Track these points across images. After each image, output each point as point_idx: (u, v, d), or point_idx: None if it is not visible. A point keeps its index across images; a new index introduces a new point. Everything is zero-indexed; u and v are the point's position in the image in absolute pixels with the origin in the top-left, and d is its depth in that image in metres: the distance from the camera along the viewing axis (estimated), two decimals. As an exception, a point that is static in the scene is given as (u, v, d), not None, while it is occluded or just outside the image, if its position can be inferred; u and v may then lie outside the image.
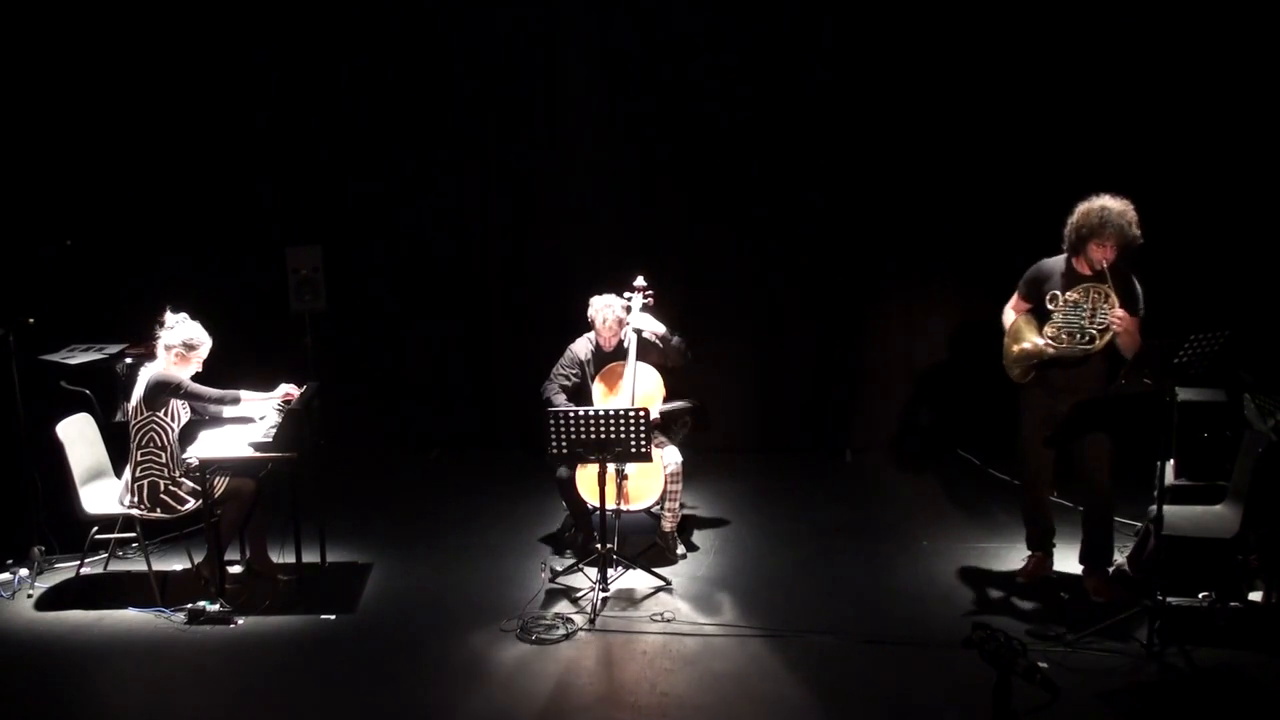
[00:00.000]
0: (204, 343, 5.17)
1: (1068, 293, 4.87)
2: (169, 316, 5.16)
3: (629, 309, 5.70)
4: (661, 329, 5.67)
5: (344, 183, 7.42)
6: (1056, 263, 5.00)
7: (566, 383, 5.71)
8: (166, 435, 5.11)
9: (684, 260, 7.27)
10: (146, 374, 5.13)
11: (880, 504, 6.62)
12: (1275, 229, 6.55)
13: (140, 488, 5.10)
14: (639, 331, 5.65)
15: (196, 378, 5.21)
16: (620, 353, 5.71)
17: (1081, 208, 4.83)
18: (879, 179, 7.15)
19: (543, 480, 6.19)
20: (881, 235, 7.23)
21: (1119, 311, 4.72)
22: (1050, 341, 4.87)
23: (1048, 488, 5.25)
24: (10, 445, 5.62)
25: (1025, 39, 6.81)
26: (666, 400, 5.71)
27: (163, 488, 5.11)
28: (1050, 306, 4.89)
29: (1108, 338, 4.76)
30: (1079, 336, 4.81)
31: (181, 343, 5.10)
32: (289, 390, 5.28)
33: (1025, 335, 4.96)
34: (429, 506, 6.59)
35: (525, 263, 7.45)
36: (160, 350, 5.13)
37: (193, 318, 5.21)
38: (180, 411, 5.21)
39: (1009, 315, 5.14)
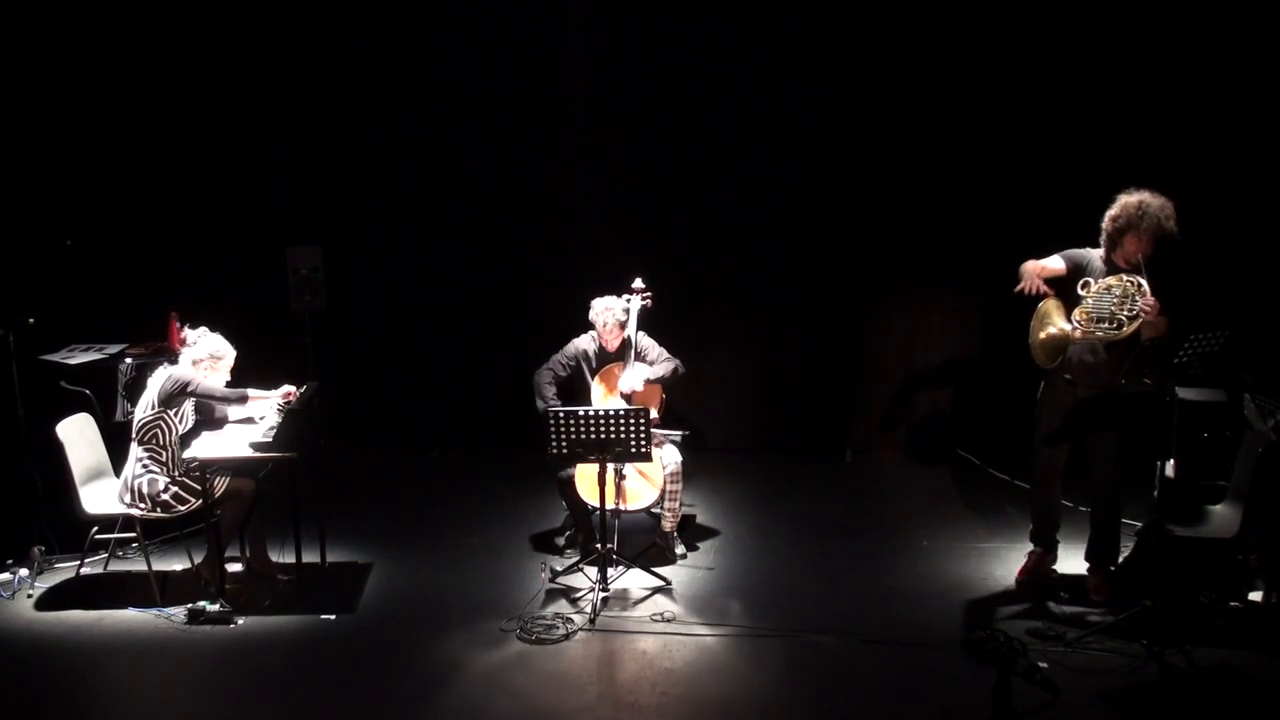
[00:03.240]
0: (228, 352, 5.28)
1: (1101, 280, 4.87)
2: (189, 334, 5.27)
3: (628, 311, 5.70)
4: (650, 374, 5.62)
5: (344, 183, 7.42)
6: (1095, 254, 5.00)
7: (561, 372, 5.73)
8: (169, 435, 5.12)
9: (684, 261, 7.27)
10: (164, 374, 5.16)
11: (880, 504, 6.61)
12: (1275, 229, 6.56)
13: (139, 485, 5.10)
14: (628, 396, 5.58)
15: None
16: (621, 353, 5.72)
17: (1121, 200, 4.88)
18: (879, 179, 7.14)
19: (543, 480, 6.19)
20: (882, 235, 7.22)
21: (1151, 299, 4.70)
22: (1078, 325, 4.85)
23: (1059, 486, 5.25)
24: (10, 445, 5.62)
25: (1026, 39, 6.80)
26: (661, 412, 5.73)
27: (162, 486, 5.11)
28: (1082, 292, 4.88)
29: (1136, 325, 4.73)
30: (1108, 323, 4.79)
31: (209, 354, 5.21)
32: (289, 390, 5.29)
33: (1052, 320, 4.93)
34: (429, 506, 6.59)
35: (525, 262, 7.45)
36: (188, 365, 5.20)
37: (192, 318, 5.24)
38: (188, 414, 5.23)
39: (1032, 264, 5.04)
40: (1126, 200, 4.85)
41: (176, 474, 5.15)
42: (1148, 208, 4.78)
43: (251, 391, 5.26)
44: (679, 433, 5.66)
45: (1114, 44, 6.70)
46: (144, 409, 5.13)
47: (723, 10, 7.05)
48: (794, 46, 7.06)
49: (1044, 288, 4.95)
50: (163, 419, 5.11)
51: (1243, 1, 6.53)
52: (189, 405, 5.23)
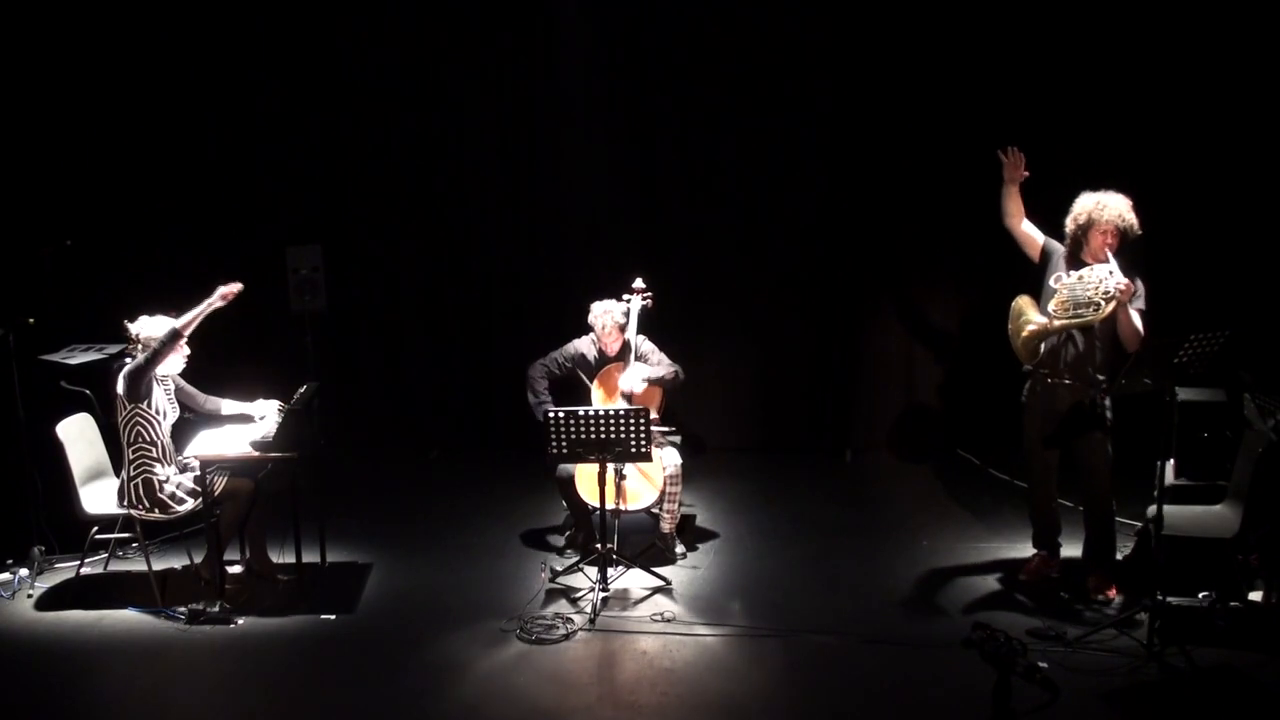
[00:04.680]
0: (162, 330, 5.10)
1: (1072, 273, 4.93)
2: (130, 327, 5.13)
3: (627, 314, 5.71)
4: (650, 374, 5.61)
5: (344, 183, 7.42)
6: (1062, 251, 5.06)
7: (556, 370, 5.74)
8: (154, 428, 5.09)
9: (683, 261, 7.27)
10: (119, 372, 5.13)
11: (880, 504, 6.62)
12: (1275, 229, 6.55)
13: (135, 486, 5.09)
14: (629, 395, 5.55)
15: (186, 374, 5.26)
16: (621, 356, 5.72)
17: (1079, 201, 4.97)
18: (879, 178, 7.15)
19: (543, 480, 6.19)
20: (881, 234, 7.23)
21: (1123, 280, 4.76)
22: (1055, 313, 4.91)
23: (1054, 486, 5.26)
24: (10, 445, 5.62)
25: (1026, 37, 6.80)
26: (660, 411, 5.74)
27: (157, 485, 5.09)
28: (1054, 285, 4.94)
29: (1112, 306, 4.79)
30: (1085, 307, 4.84)
31: (149, 338, 5.07)
32: (226, 290, 5.10)
33: (1029, 315, 5.00)
34: (429, 506, 6.59)
35: (524, 262, 7.45)
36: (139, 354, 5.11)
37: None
38: (165, 406, 5.17)
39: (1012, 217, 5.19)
40: (1084, 200, 4.95)
41: (172, 470, 5.14)
42: (1107, 202, 4.87)
43: (178, 322, 5.05)
44: (673, 432, 5.67)
45: (1116, 43, 6.70)
46: (118, 411, 5.11)
47: (723, 9, 7.05)
48: (795, 45, 7.06)
49: (1022, 173, 5.11)
50: (137, 414, 5.06)
51: (1242, 3, 6.53)
52: (160, 394, 5.14)
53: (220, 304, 5.11)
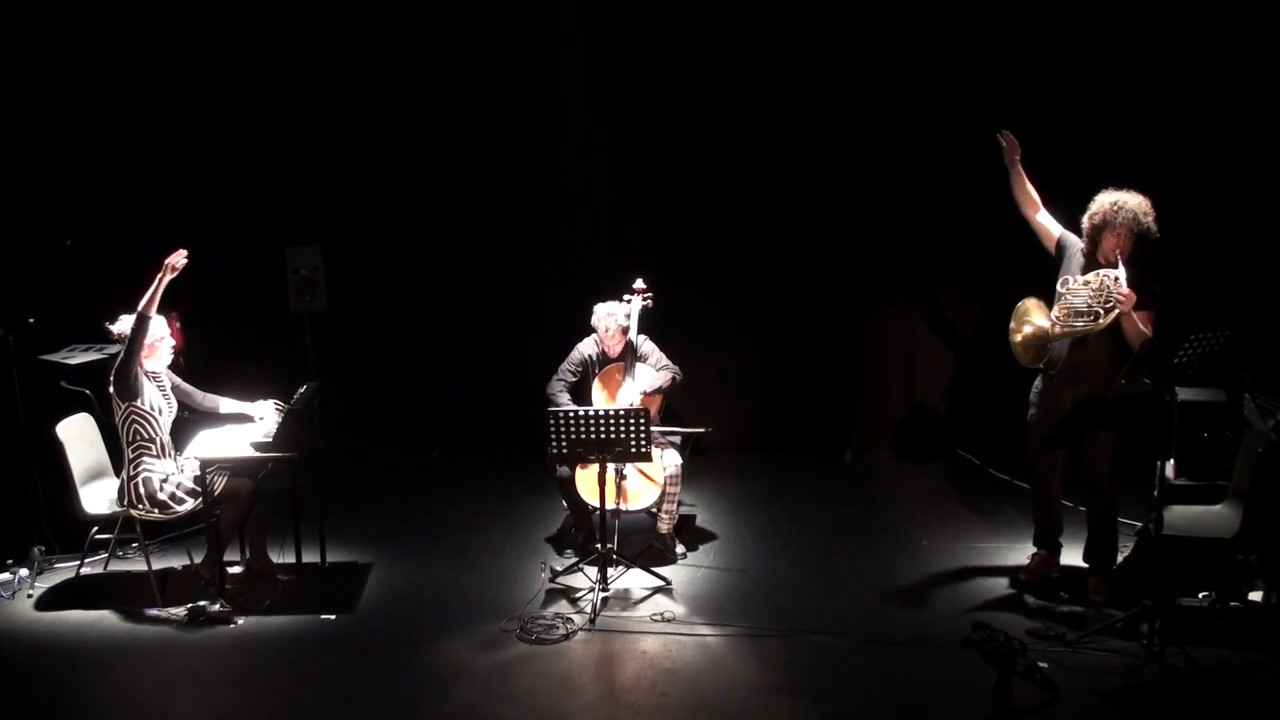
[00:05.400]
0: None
1: (1079, 278, 4.89)
2: (113, 330, 5.14)
3: (629, 316, 5.70)
4: (647, 385, 5.62)
5: (344, 183, 7.42)
6: (1080, 246, 5.01)
7: (571, 379, 5.75)
8: (152, 425, 5.08)
9: (684, 260, 7.27)
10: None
11: (880, 504, 6.61)
12: (1276, 229, 6.55)
13: (135, 486, 5.09)
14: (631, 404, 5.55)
15: (186, 373, 5.24)
16: (623, 357, 5.72)
17: (1098, 199, 4.91)
18: (880, 178, 7.15)
19: (543, 480, 6.19)
20: (882, 235, 7.23)
21: (1125, 290, 4.70)
22: (1057, 320, 4.87)
23: (1058, 486, 5.25)
24: (10, 445, 5.62)
25: (1028, 37, 6.80)
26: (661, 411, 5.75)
27: (157, 484, 5.09)
28: (1061, 290, 4.90)
29: (1112, 316, 4.74)
30: (1086, 315, 4.80)
31: (124, 335, 5.06)
32: (171, 261, 5.02)
33: (1031, 318, 4.96)
34: (429, 506, 6.59)
35: (524, 262, 7.45)
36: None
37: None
38: (160, 402, 5.16)
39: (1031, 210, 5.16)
40: (1103, 199, 4.88)
41: (175, 465, 5.13)
42: (1123, 205, 4.80)
43: (140, 305, 4.98)
44: (705, 431, 5.70)
45: (1116, 43, 6.70)
46: (115, 411, 5.10)
47: (723, 9, 7.05)
48: (795, 44, 7.06)
49: (1015, 156, 5.12)
50: (133, 412, 5.06)
51: (1242, 2, 6.53)
52: (153, 390, 5.14)
53: (171, 275, 5.03)
